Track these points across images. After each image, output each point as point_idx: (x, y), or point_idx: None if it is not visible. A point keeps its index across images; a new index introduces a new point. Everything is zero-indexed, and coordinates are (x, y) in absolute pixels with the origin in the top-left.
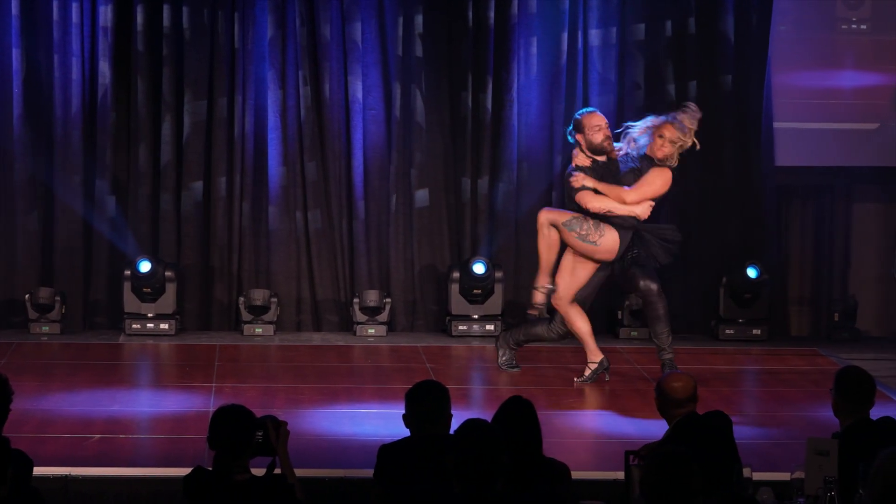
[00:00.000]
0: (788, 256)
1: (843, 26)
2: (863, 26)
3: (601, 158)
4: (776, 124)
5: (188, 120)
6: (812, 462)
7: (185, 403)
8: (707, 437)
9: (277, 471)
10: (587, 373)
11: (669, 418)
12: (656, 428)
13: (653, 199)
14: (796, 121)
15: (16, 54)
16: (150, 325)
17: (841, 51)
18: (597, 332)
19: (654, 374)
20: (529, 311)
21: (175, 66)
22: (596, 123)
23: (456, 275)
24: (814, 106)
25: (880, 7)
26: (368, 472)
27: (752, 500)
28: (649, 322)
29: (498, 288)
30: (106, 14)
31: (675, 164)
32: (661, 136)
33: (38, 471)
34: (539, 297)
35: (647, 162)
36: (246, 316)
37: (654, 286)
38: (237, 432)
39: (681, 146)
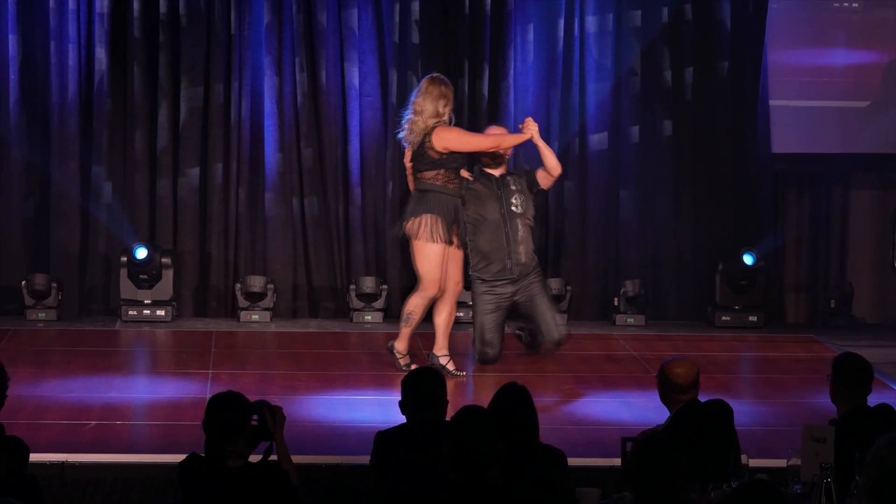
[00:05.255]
0: (784, 243)
1: (836, 4)
2: (854, 4)
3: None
4: (771, 102)
5: (184, 106)
6: (808, 449)
7: (182, 390)
8: (708, 424)
9: (273, 457)
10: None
11: (671, 405)
12: (653, 414)
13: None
14: (789, 98)
15: (12, 40)
16: (146, 312)
17: (833, 29)
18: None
19: (650, 362)
20: None
21: (171, 53)
22: None
23: None
24: (806, 84)
25: None
26: (365, 459)
27: (770, 484)
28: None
29: None
30: (102, 0)
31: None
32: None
33: (34, 457)
34: None
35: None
36: (242, 302)
37: None
38: (226, 417)
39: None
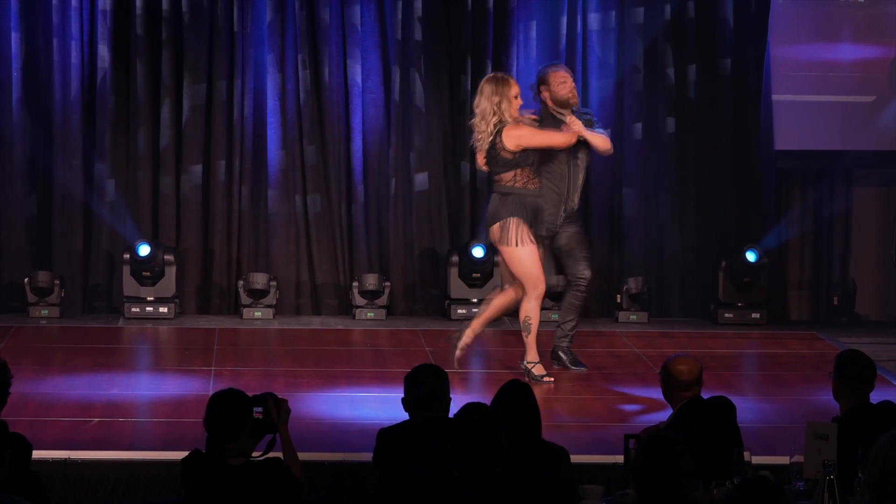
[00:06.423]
0: (787, 240)
1: None
2: None
3: (565, 111)
4: (774, 97)
5: (187, 103)
6: (811, 446)
7: (185, 387)
8: (711, 421)
9: (279, 454)
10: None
11: (674, 402)
12: (656, 412)
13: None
14: (793, 93)
15: (14, 38)
16: (149, 309)
17: (838, 23)
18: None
19: (653, 359)
20: None
21: (174, 50)
22: (562, 77)
23: (455, 258)
24: (811, 79)
25: None
26: (367, 456)
27: (771, 481)
28: (570, 309)
29: (497, 272)
30: None
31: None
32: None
33: (37, 454)
34: None
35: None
36: (245, 300)
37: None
38: (227, 416)
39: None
